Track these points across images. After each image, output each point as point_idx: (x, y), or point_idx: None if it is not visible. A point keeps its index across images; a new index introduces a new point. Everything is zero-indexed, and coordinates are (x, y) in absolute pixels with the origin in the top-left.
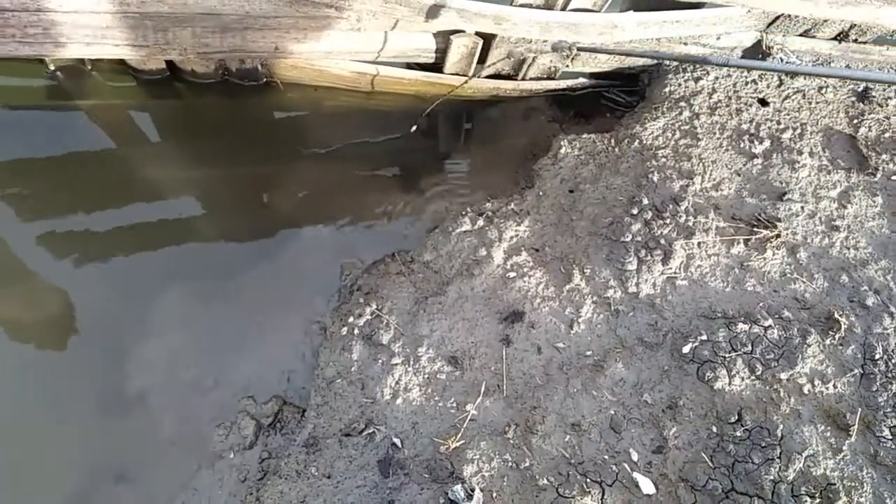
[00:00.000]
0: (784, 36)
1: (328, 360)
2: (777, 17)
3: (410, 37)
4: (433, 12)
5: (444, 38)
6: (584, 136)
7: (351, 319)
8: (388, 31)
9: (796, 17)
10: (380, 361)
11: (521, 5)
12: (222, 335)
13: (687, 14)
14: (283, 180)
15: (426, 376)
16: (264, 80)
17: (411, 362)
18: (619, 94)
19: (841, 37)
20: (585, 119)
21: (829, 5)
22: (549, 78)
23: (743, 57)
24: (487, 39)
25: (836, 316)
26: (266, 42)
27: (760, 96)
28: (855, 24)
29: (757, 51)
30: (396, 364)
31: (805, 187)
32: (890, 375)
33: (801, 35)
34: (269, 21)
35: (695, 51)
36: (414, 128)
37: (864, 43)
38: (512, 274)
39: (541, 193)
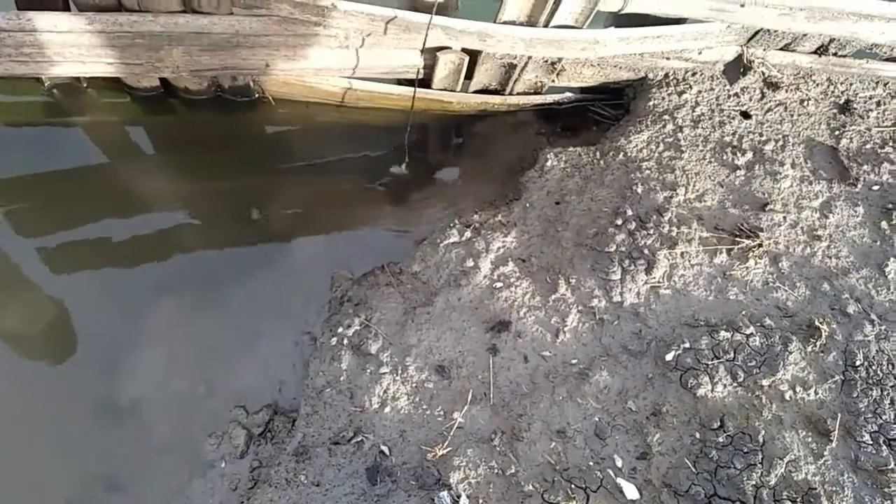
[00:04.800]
0: (765, 50)
1: (318, 370)
2: (757, 32)
3: (398, 53)
4: (419, 30)
5: (431, 54)
6: (571, 149)
7: (340, 330)
8: (376, 48)
9: (776, 31)
10: (368, 371)
11: (505, 22)
12: (214, 346)
13: (668, 30)
14: (275, 194)
15: (414, 385)
16: (256, 96)
17: (399, 371)
18: (605, 107)
19: (821, 50)
20: (572, 132)
21: (807, 20)
22: (536, 92)
23: (725, 71)
24: (473, 56)
25: (818, 323)
26: (257, 59)
27: (743, 109)
28: (834, 38)
29: (738, 65)
30: (384, 373)
31: (787, 198)
32: (870, 382)
33: (781, 49)
34: (260, 39)
35: (677, 65)
36: (403, 165)
37: (844, 56)
38: (499, 284)
39: (528, 205)
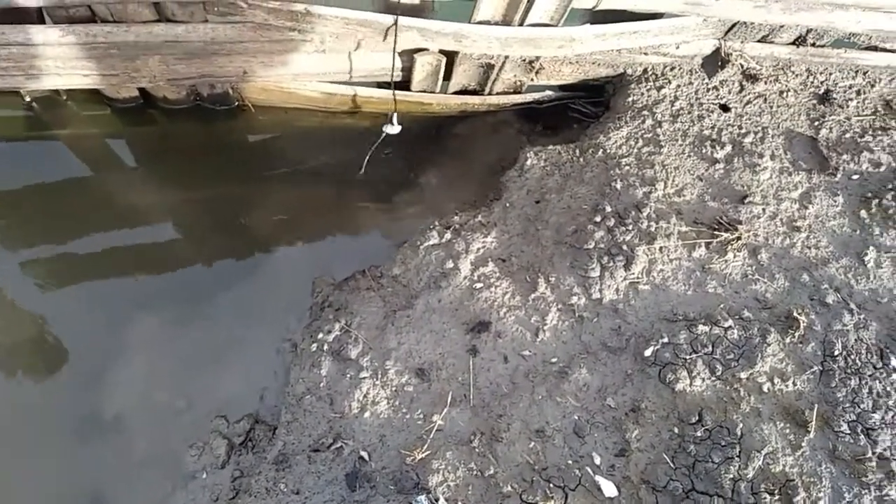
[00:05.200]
0: (742, 42)
1: (298, 377)
2: (734, 25)
3: (375, 56)
4: (392, 32)
5: (408, 56)
6: (550, 147)
7: (320, 336)
8: (353, 51)
9: (752, 23)
10: (348, 376)
11: (480, 22)
12: (195, 356)
13: (644, 25)
14: (256, 201)
15: (393, 389)
16: (236, 104)
17: (379, 376)
18: (586, 105)
19: (799, 41)
20: (552, 131)
21: (783, 11)
22: (516, 92)
23: (703, 65)
24: (451, 57)
25: (796, 314)
26: (234, 67)
27: (722, 102)
28: (811, 29)
29: (717, 58)
30: (364, 378)
31: (766, 189)
32: (849, 371)
33: (759, 41)
34: (236, 46)
35: (655, 60)
36: (361, 170)
37: (823, 46)
38: (479, 285)
39: (507, 205)
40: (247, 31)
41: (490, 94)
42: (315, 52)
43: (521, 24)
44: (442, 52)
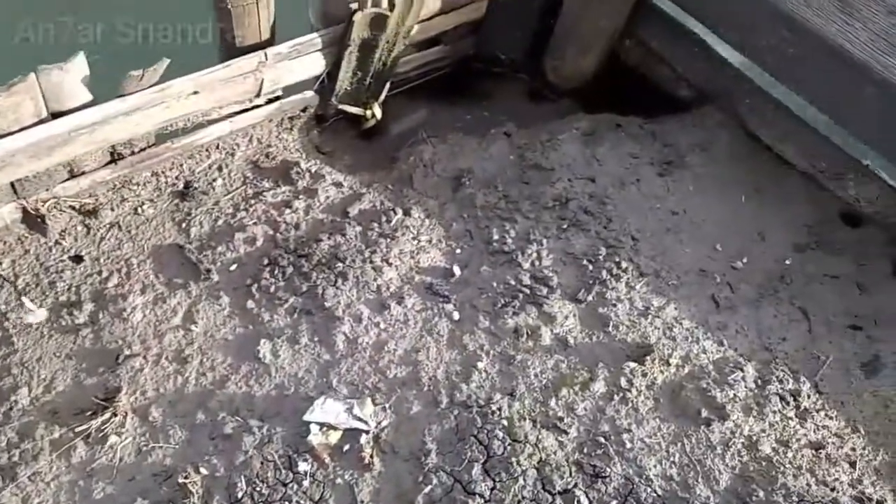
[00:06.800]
0: (48, 190)
1: None
2: (13, 187)
3: None
4: None
5: None
6: None
7: None
8: None
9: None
10: None
11: None
12: None
13: None
14: None
15: None
16: None
17: None
18: None
19: (114, 158)
20: None
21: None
22: None
23: (29, 228)
24: None
25: (181, 479)
26: None
27: (72, 254)
28: (115, 147)
29: (33, 218)
30: None
31: (144, 332)
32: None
33: (66, 181)
34: None
35: None
36: None
37: (146, 149)
38: None
39: None
40: None
41: None
42: None
43: None
44: None
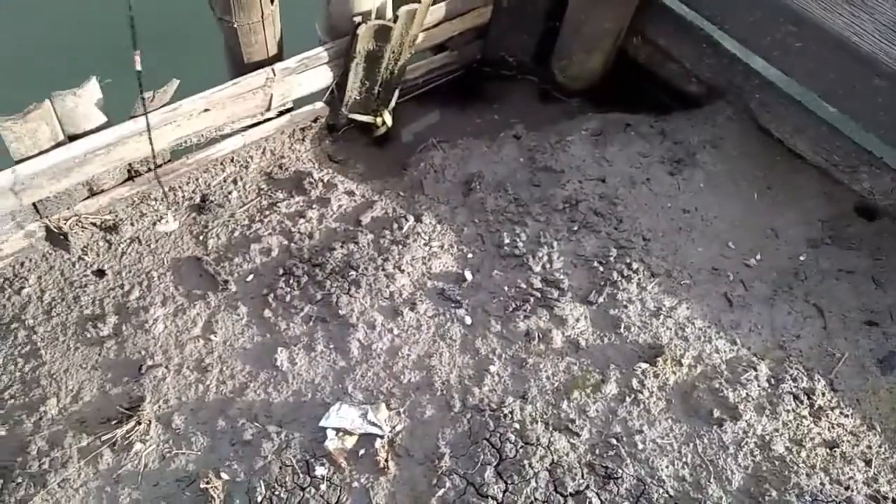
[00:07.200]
0: (69, 208)
1: None
2: (36, 205)
3: None
4: None
5: None
6: None
7: None
8: None
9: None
10: None
11: None
12: None
13: None
14: None
15: None
16: None
17: None
18: None
19: (131, 177)
20: None
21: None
22: None
23: (53, 245)
24: None
25: (203, 484)
26: None
27: (95, 268)
28: (131, 162)
29: (58, 235)
30: None
31: (165, 342)
32: None
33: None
34: None
35: None
36: None
37: (163, 165)
38: None
39: None
40: None
41: None
42: None
43: None
44: None
